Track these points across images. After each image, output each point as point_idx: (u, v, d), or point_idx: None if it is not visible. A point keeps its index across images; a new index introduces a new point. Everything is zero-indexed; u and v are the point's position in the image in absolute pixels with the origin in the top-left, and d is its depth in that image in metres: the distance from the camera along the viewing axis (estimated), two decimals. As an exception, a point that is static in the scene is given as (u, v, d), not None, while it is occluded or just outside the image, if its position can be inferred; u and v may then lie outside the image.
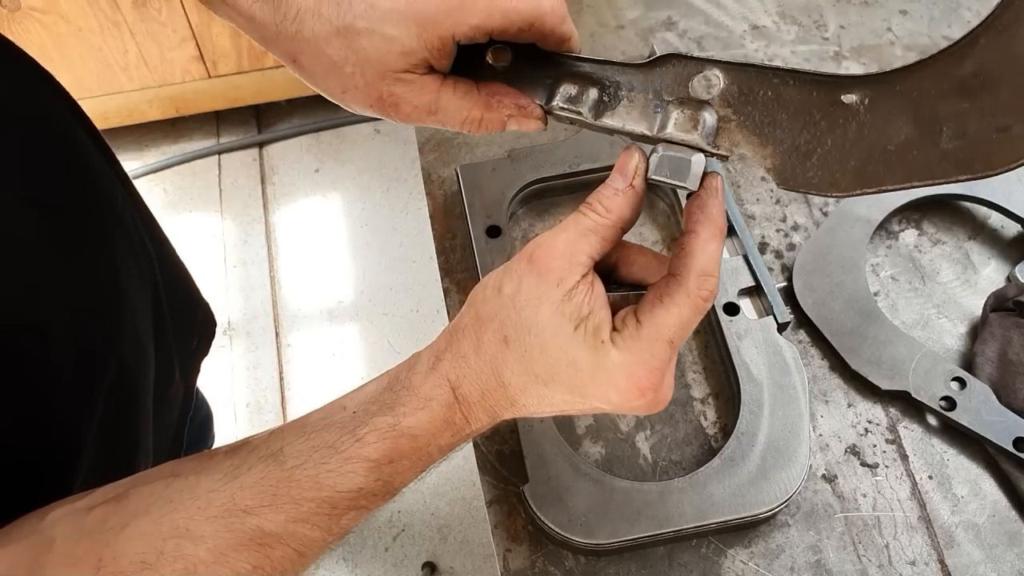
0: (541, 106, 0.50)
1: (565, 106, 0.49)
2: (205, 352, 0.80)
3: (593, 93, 0.49)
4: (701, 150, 0.46)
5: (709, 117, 0.46)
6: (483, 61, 0.50)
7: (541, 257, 0.43)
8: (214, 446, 1.01)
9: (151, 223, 0.68)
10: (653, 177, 0.45)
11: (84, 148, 0.56)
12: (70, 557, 0.38)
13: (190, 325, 0.75)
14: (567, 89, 0.49)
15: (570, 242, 0.43)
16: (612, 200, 0.44)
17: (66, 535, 0.39)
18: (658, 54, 0.47)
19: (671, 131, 0.46)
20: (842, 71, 0.89)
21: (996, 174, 0.38)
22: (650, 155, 0.45)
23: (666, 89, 0.47)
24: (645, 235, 0.80)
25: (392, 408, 0.43)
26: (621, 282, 0.47)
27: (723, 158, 0.46)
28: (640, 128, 0.48)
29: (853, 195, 0.43)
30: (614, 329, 0.43)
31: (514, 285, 0.43)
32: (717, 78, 0.45)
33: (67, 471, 0.49)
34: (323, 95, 0.50)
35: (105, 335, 0.52)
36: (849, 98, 0.42)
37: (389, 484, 0.43)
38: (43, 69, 0.55)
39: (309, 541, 0.41)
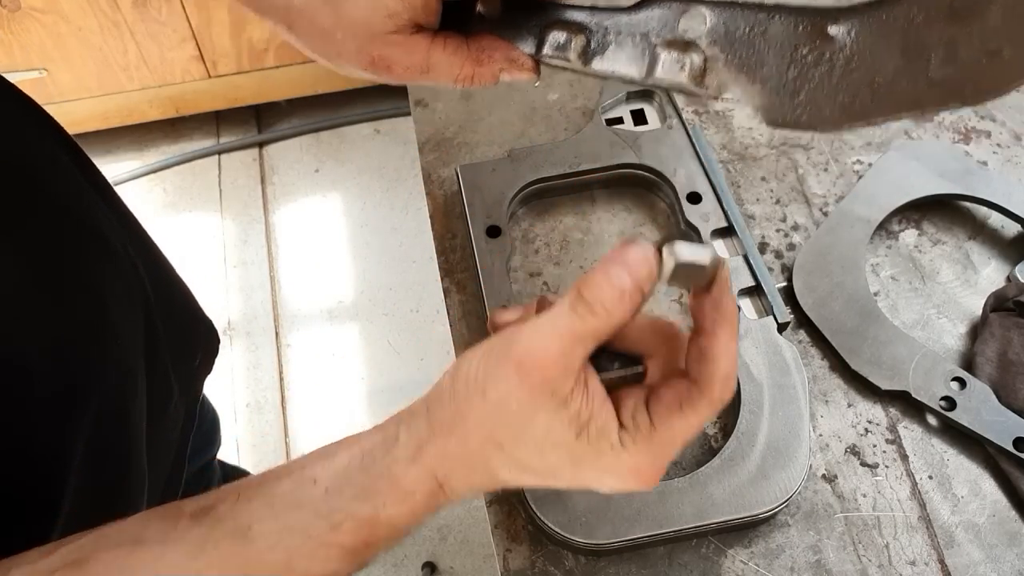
0: (532, 56, 0.48)
1: (554, 54, 0.47)
2: (209, 368, 0.79)
3: (581, 40, 0.47)
4: (690, 92, 0.44)
5: (696, 58, 0.44)
6: (471, 14, 0.48)
7: (532, 369, 0.38)
8: (220, 449, 1.01)
9: (145, 242, 0.67)
10: (670, 283, 0.41)
11: (65, 174, 0.54)
12: None
13: (190, 343, 0.74)
14: (556, 36, 0.47)
15: (564, 351, 0.38)
16: (615, 305, 0.39)
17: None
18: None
19: (659, 75, 0.45)
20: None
21: (987, 100, 0.37)
22: (663, 249, 0.40)
23: (653, 32, 0.45)
24: (645, 235, 0.80)
25: (370, 497, 0.40)
26: (612, 353, 0.44)
27: (712, 98, 0.45)
28: (630, 72, 0.46)
29: (841, 130, 0.41)
30: (622, 426, 0.40)
31: (500, 393, 0.39)
32: (703, 17, 0.44)
33: (51, 503, 0.48)
34: (319, 61, 0.48)
35: (89, 366, 0.51)
36: (836, 30, 0.40)
37: (358, 566, 0.42)
38: (18, 91, 0.54)
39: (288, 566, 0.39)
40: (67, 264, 0.52)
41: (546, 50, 0.48)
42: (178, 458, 0.74)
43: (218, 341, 0.81)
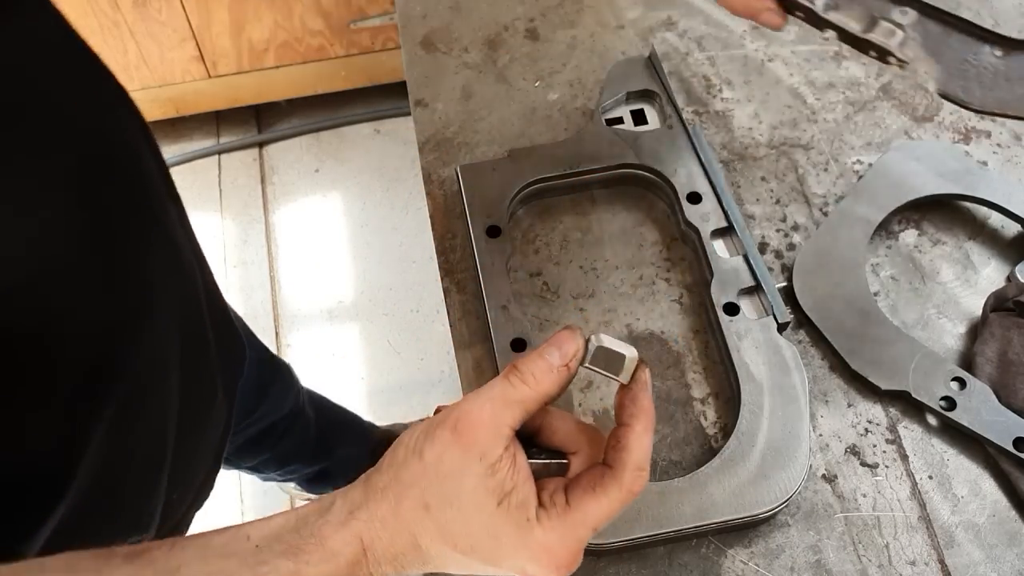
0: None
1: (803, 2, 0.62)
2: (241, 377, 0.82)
3: None
4: (887, 53, 0.61)
5: (900, 32, 0.61)
6: None
7: (465, 429, 0.42)
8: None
9: (198, 248, 0.68)
10: (588, 365, 0.46)
11: (146, 166, 0.56)
12: None
13: (234, 352, 0.76)
14: None
15: (495, 414, 0.43)
16: (544, 376, 0.44)
17: None
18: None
19: (874, 34, 0.61)
20: (842, 72, 0.89)
21: None
22: (587, 343, 0.46)
23: (875, 8, 0.62)
24: (645, 235, 0.80)
25: (296, 554, 0.41)
26: (541, 447, 0.48)
27: (902, 63, 0.61)
28: (852, 26, 0.62)
29: (994, 114, 0.58)
30: (540, 505, 0.43)
31: (436, 453, 0.42)
32: (911, 9, 0.61)
33: (57, 486, 0.48)
34: None
35: (124, 352, 0.51)
36: (995, 51, 0.58)
37: None
38: (119, 83, 0.55)
39: None
40: (128, 244, 0.52)
41: None
42: (214, 464, 0.75)
43: (246, 359, 0.83)
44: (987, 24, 0.63)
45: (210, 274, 0.69)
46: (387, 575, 0.43)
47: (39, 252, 0.44)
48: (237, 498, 1.68)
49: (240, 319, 0.82)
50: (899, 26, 0.61)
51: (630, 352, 0.46)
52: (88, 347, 0.48)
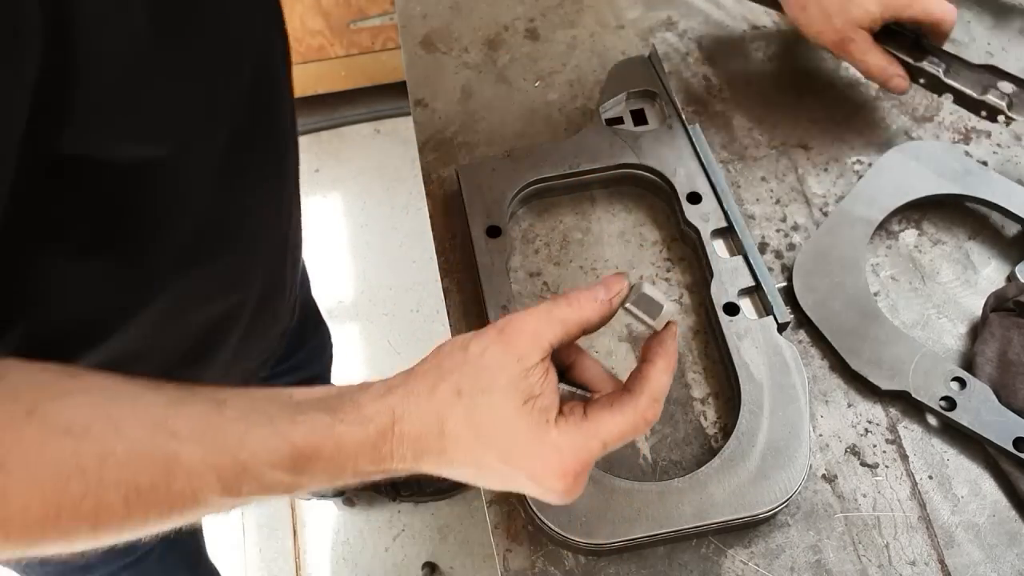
0: (912, 64, 0.81)
1: (929, 67, 0.81)
2: None
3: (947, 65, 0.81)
4: (998, 112, 0.78)
5: (1007, 97, 0.78)
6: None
7: (510, 332, 0.46)
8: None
9: (297, 190, 0.74)
10: (628, 306, 0.51)
11: (285, 92, 0.62)
12: (12, 392, 0.40)
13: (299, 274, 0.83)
14: (932, 58, 0.81)
15: (539, 326, 0.47)
16: (588, 303, 0.48)
17: (17, 376, 0.41)
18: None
19: (989, 96, 0.78)
20: (842, 72, 0.89)
21: None
22: (632, 288, 0.51)
23: (983, 80, 0.80)
24: (645, 235, 0.80)
25: (333, 412, 0.45)
26: (570, 383, 0.52)
27: (1009, 120, 0.78)
28: (969, 91, 0.79)
29: None
30: (560, 414, 0.47)
31: (480, 348, 0.46)
32: (1008, 83, 0.78)
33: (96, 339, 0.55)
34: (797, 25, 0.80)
35: (215, 246, 0.58)
36: None
37: (295, 478, 0.45)
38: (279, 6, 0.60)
39: (205, 490, 0.43)
40: (252, 164, 0.58)
41: (925, 64, 0.81)
42: (264, 363, 0.81)
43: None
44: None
45: (299, 212, 0.74)
46: (405, 457, 0.46)
47: (186, 136, 0.49)
48: (237, 498, 1.68)
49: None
50: (1005, 94, 0.78)
51: (668, 305, 0.51)
52: (190, 233, 0.54)
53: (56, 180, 0.43)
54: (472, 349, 0.47)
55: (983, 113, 0.79)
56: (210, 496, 0.43)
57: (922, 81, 0.81)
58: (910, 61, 0.81)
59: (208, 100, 0.50)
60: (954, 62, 0.81)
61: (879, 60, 0.78)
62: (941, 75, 0.80)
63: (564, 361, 0.51)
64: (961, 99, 0.80)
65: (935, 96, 0.82)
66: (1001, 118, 0.78)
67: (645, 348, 0.51)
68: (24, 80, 0.37)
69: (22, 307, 0.50)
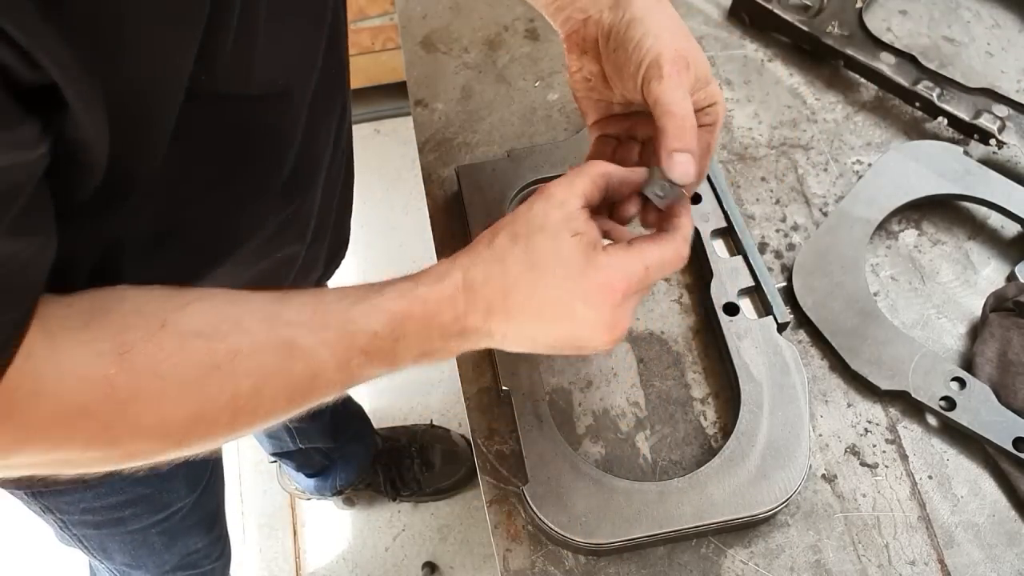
0: (907, 88, 0.83)
1: (924, 90, 0.83)
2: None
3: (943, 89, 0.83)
4: (989, 136, 0.80)
5: (999, 121, 0.80)
6: None
7: (549, 189, 0.53)
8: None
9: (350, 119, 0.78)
10: (645, 191, 0.55)
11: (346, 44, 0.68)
12: (138, 312, 0.45)
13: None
14: (926, 82, 0.84)
15: (571, 180, 0.53)
16: (612, 172, 0.55)
17: (136, 296, 0.46)
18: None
19: (980, 121, 0.80)
20: (841, 72, 0.89)
21: None
22: (651, 172, 0.55)
23: (978, 103, 0.82)
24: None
25: (413, 280, 0.52)
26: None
27: (1001, 144, 0.80)
28: (961, 115, 0.81)
29: None
30: (606, 248, 0.53)
31: (526, 205, 0.53)
32: (1005, 106, 0.81)
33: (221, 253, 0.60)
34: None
35: (311, 162, 0.64)
36: None
37: (393, 344, 0.50)
38: None
39: (322, 368, 0.49)
40: (331, 94, 0.65)
41: (919, 87, 0.83)
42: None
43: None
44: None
45: (350, 139, 0.78)
46: (478, 310, 0.52)
47: (295, 72, 0.55)
48: (238, 498, 1.68)
49: None
50: (998, 117, 0.80)
51: (680, 192, 0.56)
52: (289, 170, 0.59)
53: (195, 112, 0.46)
54: (519, 210, 0.53)
55: (976, 136, 0.81)
56: (326, 372, 0.49)
57: (917, 104, 0.83)
58: (905, 84, 0.83)
59: (310, 37, 0.56)
60: (949, 85, 0.83)
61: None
62: (935, 99, 0.82)
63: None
64: (954, 122, 0.82)
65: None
66: (993, 142, 0.80)
67: (668, 208, 0.57)
68: (196, 34, 0.42)
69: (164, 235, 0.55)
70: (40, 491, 0.75)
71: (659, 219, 0.57)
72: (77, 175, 0.43)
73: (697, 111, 0.58)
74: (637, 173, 0.56)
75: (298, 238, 0.70)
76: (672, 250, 0.54)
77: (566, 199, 0.52)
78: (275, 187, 0.60)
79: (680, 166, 0.54)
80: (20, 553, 1.64)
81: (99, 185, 0.44)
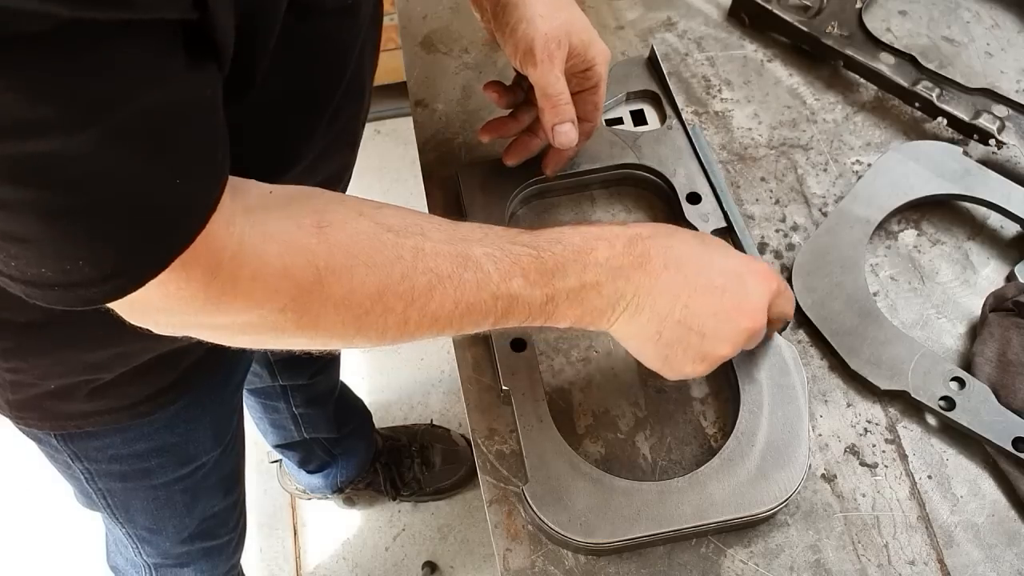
0: (907, 88, 0.84)
1: (922, 92, 0.83)
2: None
3: (942, 89, 0.84)
4: (989, 136, 0.80)
5: (999, 121, 0.81)
6: None
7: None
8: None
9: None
10: None
11: None
12: (339, 201, 0.52)
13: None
14: (926, 82, 0.84)
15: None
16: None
17: (333, 194, 0.53)
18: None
19: (980, 122, 0.80)
20: (841, 72, 0.89)
21: None
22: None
23: (977, 103, 0.82)
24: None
25: (574, 226, 0.59)
26: None
27: (1000, 144, 0.80)
28: (961, 115, 0.81)
29: None
30: None
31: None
32: (1004, 106, 0.81)
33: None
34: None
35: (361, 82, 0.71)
36: None
37: (552, 274, 0.56)
38: None
39: (485, 279, 0.54)
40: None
41: (919, 88, 0.83)
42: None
43: None
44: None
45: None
46: (625, 265, 0.57)
47: None
48: (237, 498, 1.68)
49: None
50: (998, 117, 0.80)
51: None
52: (345, 86, 0.64)
53: (289, 20, 0.50)
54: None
55: (976, 136, 0.81)
56: (488, 284, 0.54)
57: (917, 104, 0.84)
58: (905, 85, 0.83)
59: None
60: (948, 85, 0.83)
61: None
62: (934, 99, 0.82)
63: None
64: (954, 123, 0.82)
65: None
66: (992, 142, 0.80)
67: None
68: None
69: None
70: (71, 433, 0.77)
71: None
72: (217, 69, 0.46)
73: (578, 74, 0.68)
74: None
75: (348, 152, 0.75)
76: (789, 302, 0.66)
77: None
78: (329, 106, 0.64)
79: (561, 136, 0.67)
80: (37, 529, 1.64)
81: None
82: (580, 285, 0.56)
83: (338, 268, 0.49)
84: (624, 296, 0.58)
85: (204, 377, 0.79)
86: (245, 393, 1.31)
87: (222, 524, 1.04)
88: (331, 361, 1.32)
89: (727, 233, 0.76)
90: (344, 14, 0.58)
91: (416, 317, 0.53)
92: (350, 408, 1.47)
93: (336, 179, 0.77)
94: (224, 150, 0.45)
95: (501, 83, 0.74)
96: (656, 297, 0.58)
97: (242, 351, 0.86)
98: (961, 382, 0.69)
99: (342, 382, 1.41)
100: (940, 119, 0.82)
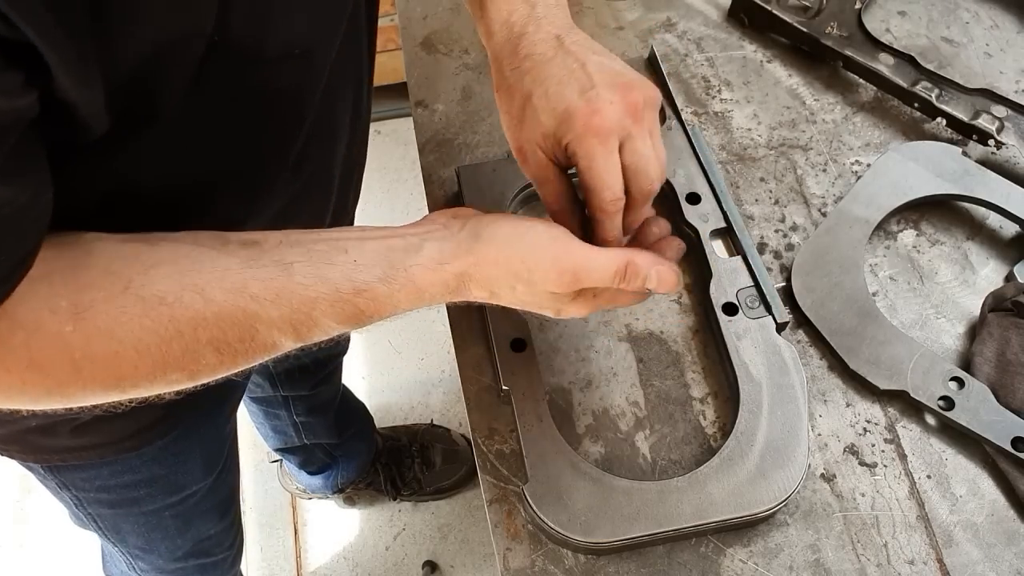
0: (906, 89, 0.85)
1: (921, 92, 0.83)
2: None
3: (941, 89, 0.84)
4: (988, 136, 0.80)
5: (998, 122, 0.81)
6: None
7: (574, 274, 0.54)
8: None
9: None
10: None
11: (374, 19, 0.70)
12: (106, 270, 0.45)
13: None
14: (925, 83, 0.84)
15: (590, 280, 0.55)
16: (634, 291, 0.57)
17: (103, 251, 0.46)
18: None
19: (979, 122, 0.80)
20: (840, 73, 0.90)
21: None
22: None
23: (977, 104, 0.82)
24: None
25: (390, 283, 0.53)
26: None
27: (999, 144, 0.80)
28: (960, 116, 0.81)
29: None
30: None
31: (542, 274, 0.55)
32: (1003, 107, 0.81)
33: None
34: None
35: (334, 116, 0.66)
36: None
37: (357, 327, 0.53)
38: None
39: (283, 340, 0.50)
40: (350, 47, 0.65)
41: (918, 88, 0.83)
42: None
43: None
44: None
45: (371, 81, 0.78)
46: (456, 299, 0.56)
47: (316, 37, 0.55)
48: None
49: None
50: (997, 118, 0.80)
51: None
52: (304, 135, 0.60)
53: (209, 70, 0.47)
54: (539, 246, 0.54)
55: (975, 136, 0.81)
56: (286, 343, 0.51)
57: (916, 105, 0.84)
58: (904, 85, 0.83)
59: (332, 9, 0.56)
60: (947, 86, 0.83)
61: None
62: (933, 100, 0.82)
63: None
64: (953, 123, 0.82)
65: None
66: (991, 142, 0.80)
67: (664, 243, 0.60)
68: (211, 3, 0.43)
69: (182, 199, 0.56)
70: (57, 466, 0.76)
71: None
72: (73, 126, 0.42)
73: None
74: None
75: (317, 211, 0.71)
76: (663, 266, 0.56)
77: (565, 291, 0.55)
78: (289, 154, 0.61)
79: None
80: (31, 547, 1.64)
81: (107, 131, 0.44)
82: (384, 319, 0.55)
83: (99, 356, 0.44)
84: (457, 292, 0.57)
85: (192, 411, 0.77)
86: (246, 400, 1.30)
87: (217, 544, 1.04)
88: (333, 371, 1.32)
89: (727, 233, 0.77)
90: (293, 61, 0.53)
91: (207, 380, 0.50)
92: (351, 413, 1.47)
93: (317, 223, 0.73)
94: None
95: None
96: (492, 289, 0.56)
97: (232, 384, 0.85)
98: (960, 382, 0.69)
99: (344, 385, 1.41)
100: (939, 119, 0.83)
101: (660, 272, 0.55)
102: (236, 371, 0.51)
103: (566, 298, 0.56)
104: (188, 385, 0.49)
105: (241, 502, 1.67)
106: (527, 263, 0.54)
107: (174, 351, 0.46)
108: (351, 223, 0.89)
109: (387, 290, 0.52)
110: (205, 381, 0.50)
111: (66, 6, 0.36)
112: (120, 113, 0.43)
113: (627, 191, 0.57)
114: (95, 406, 0.48)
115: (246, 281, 0.48)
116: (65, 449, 0.73)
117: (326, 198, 0.73)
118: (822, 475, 0.68)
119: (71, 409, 0.48)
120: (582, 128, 0.54)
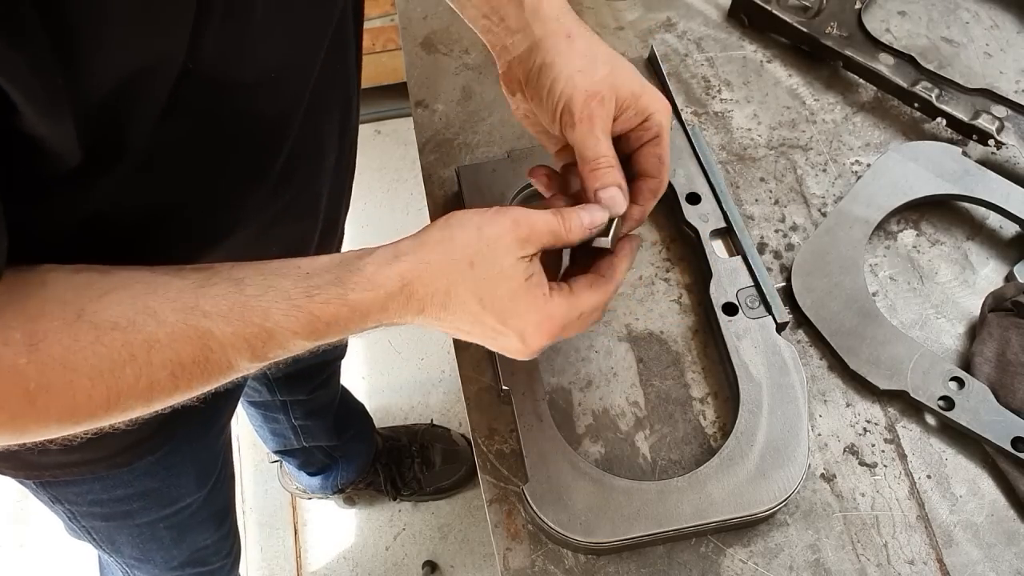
0: (906, 89, 0.85)
1: (922, 90, 0.83)
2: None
3: (941, 90, 0.84)
4: (987, 136, 0.80)
5: (998, 122, 0.80)
6: None
7: (524, 227, 0.54)
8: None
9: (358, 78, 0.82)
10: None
11: (358, 43, 0.71)
12: (59, 300, 0.44)
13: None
14: (926, 84, 0.84)
15: (542, 230, 0.55)
16: (577, 231, 0.57)
17: (56, 281, 0.45)
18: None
19: (979, 122, 0.80)
20: (840, 73, 0.90)
21: None
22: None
23: (977, 104, 0.82)
24: (645, 235, 0.80)
25: (343, 283, 0.51)
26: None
27: (999, 144, 0.80)
28: (960, 116, 0.81)
29: None
30: (551, 289, 0.56)
31: (495, 234, 0.54)
32: (1003, 107, 0.81)
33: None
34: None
35: (318, 136, 0.66)
36: None
37: (314, 341, 0.51)
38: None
39: (238, 358, 0.49)
40: (335, 78, 0.66)
41: (918, 88, 0.83)
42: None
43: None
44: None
45: (358, 94, 0.80)
46: (408, 313, 0.53)
47: (296, 53, 0.55)
48: (239, 498, 1.68)
49: None
50: (997, 118, 0.80)
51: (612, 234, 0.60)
52: (284, 157, 0.60)
53: (183, 95, 0.46)
54: (487, 232, 0.53)
55: (975, 136, 0.81)
56: (242, 362, 0.50)
57: (916, 105, 0.84)
58: (904, 85, 0.83)
59: (311, 31, 0.56)
60: (947, 86, 0.83)
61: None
62: (933, 100, 0.82)
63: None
64: (953, 123, 0.82)
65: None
66: (991, 142, 0.80)
67: (618, 247, 0.61)
68: (184, 29, 0.43)
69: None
70: (48, 481, 0.76)
71: (599, 261, 0.61)
72: (44, 159, 0.42)
73: (635, 128, 0.60)
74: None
75: (304, 232, 0.70)
76: (603, 299, 0.58)
77: (528, 246, 0.55)
78: (270, 175, 0.60)
79: (608, 201, 0.58)
80: (31, 547, 1.64)
81: (80, 161, 0.44)
82: (345, 335, 0.54)
83: (54, 386, 0.44)
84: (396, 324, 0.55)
85: (184, 426, 0.77)
86: (245, 404, 1.30)
87: (214, 553, 1.04)
88: (331, 376, 1.32)
89: (727, 233, 0.77)
90: (271, 84, 0.53)
91: (162, 404, 0.49)
92: (350, 414, 1.47)
93: (302, 246, 0.73)
94: None
95: (549, 168, 0.66)
96: (445, 327, 0.56)
97: (225, 398, 0.85)
98: (960, 382, 0.69)
99: (343, 387, 1.41)
100: (939, 119, 0.83)
101: (609, 196, 0.58)
102: (193, 396, 0.50)
103: (530, 317, 0.56)
104: (144, 412, 0.49)
105: (241, 502, 1.67)
106: (484, 233, 0.54)
107: (127, 376, 0.45)
108: (342, 230, 0.88)
109: (340, 291, 0.50)
110: (160, 408, 0.49)
111: (29, 42, 0.35)
112: (92, 143, 0.43)
113: (635, 189, 0.61)
114: (49, 441, 0.47)
115: (198, 299, 0.48)
116: (56, 465, 0.72)
117: (314, 210, 0.72)
118: (822, 475, 0.68)
119: (23, 445, 0.47)
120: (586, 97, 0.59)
